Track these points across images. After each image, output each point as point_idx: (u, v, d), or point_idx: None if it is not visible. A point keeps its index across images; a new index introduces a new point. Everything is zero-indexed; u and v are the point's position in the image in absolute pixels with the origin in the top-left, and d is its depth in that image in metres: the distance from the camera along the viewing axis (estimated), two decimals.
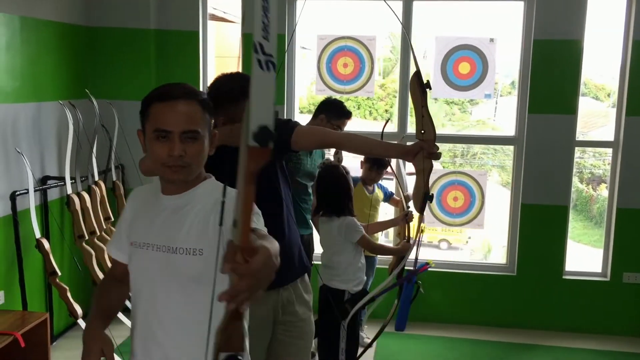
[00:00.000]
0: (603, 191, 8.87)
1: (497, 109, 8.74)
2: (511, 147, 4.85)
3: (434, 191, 4.77)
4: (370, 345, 3.67)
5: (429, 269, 3.27)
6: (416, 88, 2.30)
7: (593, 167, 7.61)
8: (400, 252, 3.40)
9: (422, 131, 2.25)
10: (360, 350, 3.47)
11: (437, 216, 4.80)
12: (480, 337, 4.58)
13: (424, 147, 2.21)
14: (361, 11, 5.01)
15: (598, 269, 4.77)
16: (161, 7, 4.64)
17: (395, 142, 3.40)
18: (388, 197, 4.34)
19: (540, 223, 4.64)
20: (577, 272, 4.76)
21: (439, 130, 2.44)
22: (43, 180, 4.02)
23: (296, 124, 2.32)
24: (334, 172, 3.21)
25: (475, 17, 4.91)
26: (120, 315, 3.18)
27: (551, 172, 4.57)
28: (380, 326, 3.47)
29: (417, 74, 2.28)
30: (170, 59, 4.69)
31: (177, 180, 1.60)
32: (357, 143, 2.33)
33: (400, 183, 4.13)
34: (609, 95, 7.65)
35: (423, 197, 2.35)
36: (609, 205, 4.70)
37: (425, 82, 2.30)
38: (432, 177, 4.77)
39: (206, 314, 1.46)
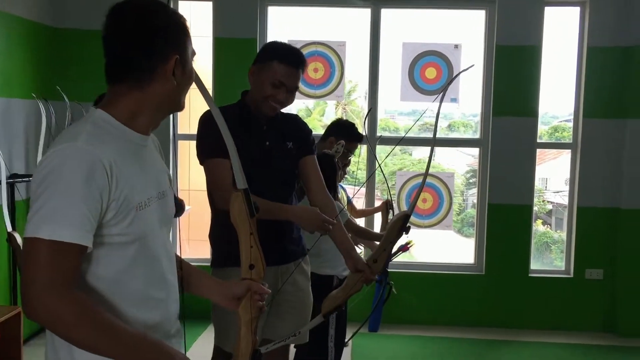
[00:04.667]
0: (539, 227, 9.21)
1: (435, 151, 9.04)
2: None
3: (404, 193, 4.87)
4: (345, 344, 3.66)
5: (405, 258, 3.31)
6: (397, 228, 2.45)
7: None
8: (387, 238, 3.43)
9: (375, 261, 2.41)
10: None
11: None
12: (452, 335, 4.64)
13: (366, 274, 2.36)
14: (331, 17, 5.13)
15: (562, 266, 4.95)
16: None
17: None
18: (349, 202, 4.35)
19: (506, 222, 4.78)
20: (542, 270, 4.91)
21: None
22: (11, 179, 3.90)
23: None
24: (324, 158, 3.22)
25: (440, 24, 5.10)
26: None
27: (515, 173, 4.74)
28: (353, 327, 3.45)
29: (406, 217, 2.43)
30: None
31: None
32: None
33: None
34: None
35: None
36: (569, 204, 4.90)
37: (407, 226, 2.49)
38: (402, 180, 4.90)
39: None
